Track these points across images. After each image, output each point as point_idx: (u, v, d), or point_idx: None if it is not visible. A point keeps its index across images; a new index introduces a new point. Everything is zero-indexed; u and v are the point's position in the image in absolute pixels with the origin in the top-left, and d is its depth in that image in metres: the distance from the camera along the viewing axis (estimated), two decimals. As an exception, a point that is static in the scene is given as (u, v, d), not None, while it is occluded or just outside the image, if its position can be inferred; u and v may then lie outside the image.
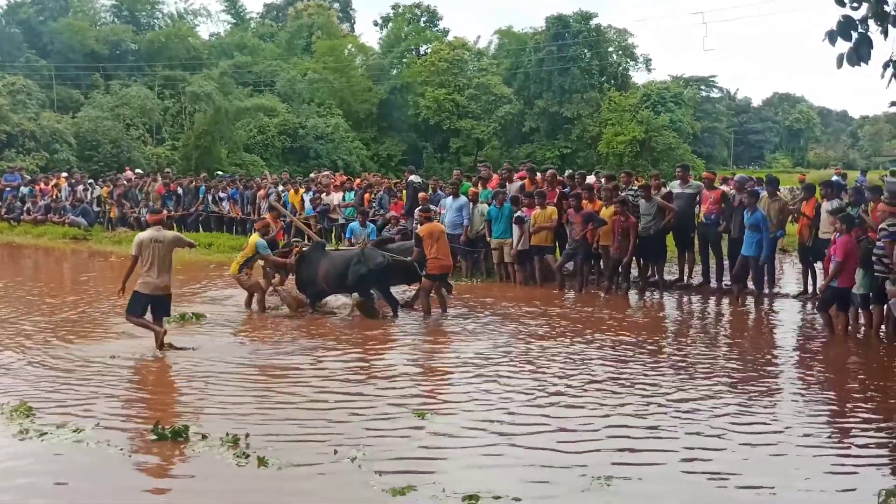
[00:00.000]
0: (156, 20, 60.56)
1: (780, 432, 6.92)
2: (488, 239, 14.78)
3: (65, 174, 28.12)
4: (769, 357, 9.64)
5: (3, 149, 36.20)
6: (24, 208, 24.92)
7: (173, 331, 10.45)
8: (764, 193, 13.35)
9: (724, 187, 15.03)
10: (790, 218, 13.82)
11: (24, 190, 25.91)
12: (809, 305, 12.41)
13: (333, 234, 18.77)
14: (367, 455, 6.24)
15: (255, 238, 12.48)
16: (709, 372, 8.83)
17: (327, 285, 12.07)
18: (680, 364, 9.16)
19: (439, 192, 16.73)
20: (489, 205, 14.88)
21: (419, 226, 12.82)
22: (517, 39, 64.46)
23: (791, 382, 8.61)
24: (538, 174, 15.85)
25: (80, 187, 25.04)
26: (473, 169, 37.75)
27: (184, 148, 43.86)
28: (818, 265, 12.65)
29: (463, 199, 15.16)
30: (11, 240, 22.61)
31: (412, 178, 17.67)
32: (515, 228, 14.18)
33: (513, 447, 6.53)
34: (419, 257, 11.88)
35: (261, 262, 12.71)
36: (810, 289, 12.94)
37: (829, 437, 6.95)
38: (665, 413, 7.36)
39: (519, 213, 14.14)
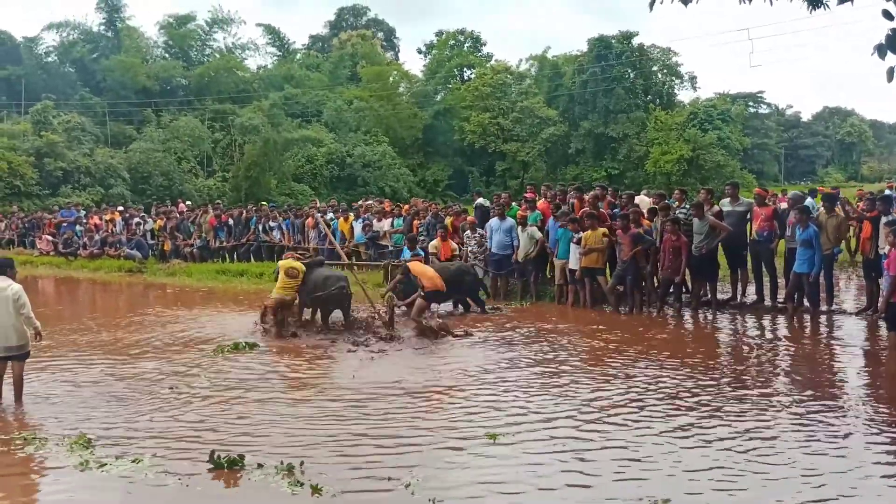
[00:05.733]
0: (206, 56, 61.85)
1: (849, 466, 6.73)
2: (553, 259, 14.81)
3: (120, 208, 28.79)
4: (831, 377, 9.41)
5: (59, 185, 37.21)
6: (81, 243, 25.49)
7: (225, 359, 10.62)
8: (821, 209, 13.11)
9: (782, 204, 14.75)
10: (851, 231, 13.49)
11: (78, 227, 26.55)
12: (870, 321, 12.11)
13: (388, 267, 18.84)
14: (420, 481, 6.21)
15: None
16: (770, 394, 8.65)
17: (309, 300, 12.71)
18: (744, 387, 8.98)
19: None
20: (538, 227, 14.95)
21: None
22: (552, 65, 64.57)
23: (852, 399, 8.38)
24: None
25: (135, 220, 25.59)
26: (520, 192, 37.88)
27: (234, 179, 44.68)
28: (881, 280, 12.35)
29: (510, 220, 15.20)
30: (69, 274, 23.10)
31: (479, 200, 17.89)
32: (573, 248, 14.11)
33: (569, 472, 6.46)
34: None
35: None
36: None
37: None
38: (728, 437, 7.21)
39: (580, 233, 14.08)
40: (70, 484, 6.48)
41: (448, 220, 17.53)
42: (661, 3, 5.27)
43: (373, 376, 9.77)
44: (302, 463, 6.55)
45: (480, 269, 15.59)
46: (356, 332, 12.36)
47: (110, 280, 21.63)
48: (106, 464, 6.74)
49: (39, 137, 38.26)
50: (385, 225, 19.39)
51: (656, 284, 13.86)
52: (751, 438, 7.12)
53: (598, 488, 6.16)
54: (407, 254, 15.01)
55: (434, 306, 13.50)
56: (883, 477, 6.29)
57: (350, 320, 12.74)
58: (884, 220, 11.83)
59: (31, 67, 51.90)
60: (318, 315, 12.90)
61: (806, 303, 12.72)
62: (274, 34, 69.82)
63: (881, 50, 4.89)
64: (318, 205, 22.83)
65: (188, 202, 32.03)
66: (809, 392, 8.62)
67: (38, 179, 36.58)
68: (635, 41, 58.55)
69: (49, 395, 9.07)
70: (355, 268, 15.08)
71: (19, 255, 23.83)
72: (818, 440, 7.06)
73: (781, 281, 13.44)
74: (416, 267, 13.06)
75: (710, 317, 13.29)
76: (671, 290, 13.74)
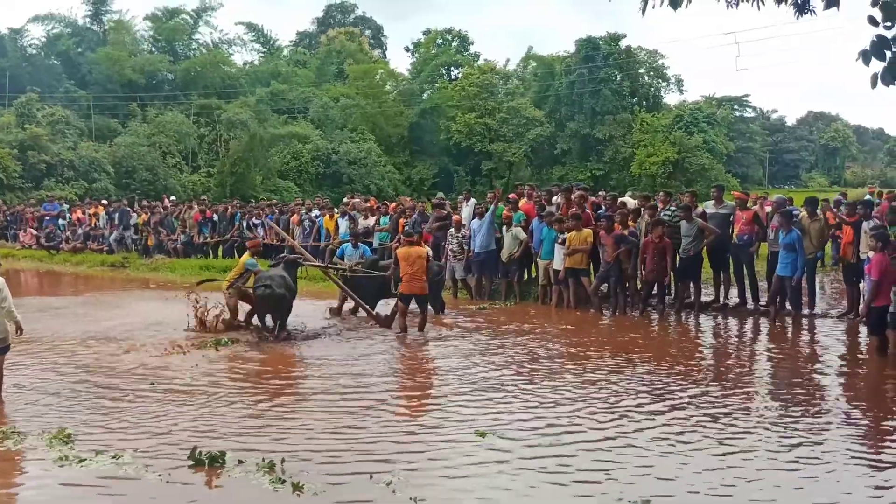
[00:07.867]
0: (192, 50, 61.34)
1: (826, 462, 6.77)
2: (538, 259, 14.82)
3: (104, 201, 28.61)
4: (812, 381, 9.48)
5: (42, 178, 36.89)
6: (64, 237, 25.30)
7: (207, 356, 10.58)
8: (804, 213, 13.21)
9: (755, 207, 14.84)
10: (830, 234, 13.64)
11: (61, 221, 26.33)
12: (851, 325, 12.20)
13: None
14: (401, 479, 6.22)
15: (245, 257, 12.92)
16: (751, 398, 8.70)
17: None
18: (725, 390, 9.02)
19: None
20: (523, 227, 14.98)
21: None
22: (542, 63, 64.57)
23: (832, 402, 8.44)
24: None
25: (118, 214, 25.43)
26: (507, 192, 37.97)
27: (219, 175, 44.44)
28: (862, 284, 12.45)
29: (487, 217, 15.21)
30: (51, 268, 22.94)
31: (471, 200, 17.93)
32: (558, 249, 14.13)
33: (550, 472, 6.46)
34: (395, 275, 12.61)
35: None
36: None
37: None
38: (706, 437, 7.25)
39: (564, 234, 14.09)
40: (49, 479, 6.44)
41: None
42: (654, 7, 5.22)
43: (354, 375, 9.75)
44: (283, 460, 6.53)
45: (460, 270, 15.57)
46: (278, 338, 11.81)
47: (93, 274, 21.50)
48: (86, 459, 6.70)
49: (23, 130, 37.90)
50: (371, 222, 19.33)
51: (639, 286, 13.91)
52: (731, 440, 7.15)
53: (579, 488, 6.17)
54: (349, 250, 14.71)
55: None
56: (866, 486, 6.32)
57: (279, 326, 12.07)
58: (865, 225, 11.93)
59: (16, 60, 51.26)
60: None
61: (788, 306, 12.80)
62: (257, 31, 69.26)
63: (866, 56, 4.93)
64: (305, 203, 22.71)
65: (173, 197, 31.84)
66: (790, 396, 8.67)
67: (22, 172, 36.26)
68: (623, 43, 58.74)
69: (30, 389, 9.00)
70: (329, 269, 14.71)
71: (1, 249, 23.66)
72: (798, 445, 7.09)
73: (763, 284, 13.53)
74: (403, 264, 12.30)
75: (692, 319, 13.35)
76: (654, 292, 13.79)
